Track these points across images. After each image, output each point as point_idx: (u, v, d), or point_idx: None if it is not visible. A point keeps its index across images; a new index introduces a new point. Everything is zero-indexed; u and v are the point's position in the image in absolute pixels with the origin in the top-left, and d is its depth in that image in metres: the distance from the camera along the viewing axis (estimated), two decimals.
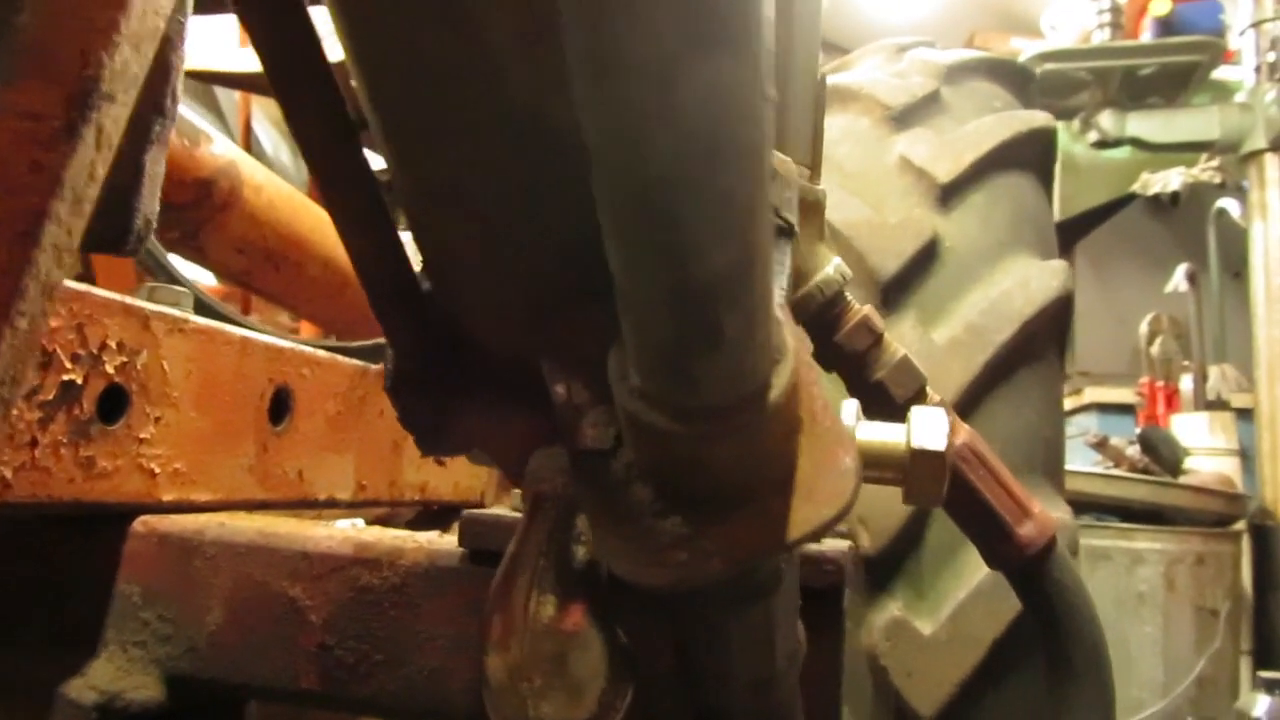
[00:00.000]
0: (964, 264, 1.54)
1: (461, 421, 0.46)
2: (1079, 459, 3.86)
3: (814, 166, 0.77)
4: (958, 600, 1.38)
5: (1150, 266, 4.38)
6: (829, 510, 0.33)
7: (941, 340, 1.47)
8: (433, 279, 0.44)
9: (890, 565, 1.41)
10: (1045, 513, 0.78)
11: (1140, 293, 4.33)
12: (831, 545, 0.67)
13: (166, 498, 0.74)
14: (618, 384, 0.32)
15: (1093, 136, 4.11)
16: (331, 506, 0.98)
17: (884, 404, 0.77)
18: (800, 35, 0.75)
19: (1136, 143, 4.08)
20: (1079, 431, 4.05)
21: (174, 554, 0.70)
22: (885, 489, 1.11)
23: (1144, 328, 4.17)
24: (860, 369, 0.77)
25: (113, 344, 0.68)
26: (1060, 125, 4.37)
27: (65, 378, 0.64)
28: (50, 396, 0.63)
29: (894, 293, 1.52)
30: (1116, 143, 4.08)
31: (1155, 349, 4.11)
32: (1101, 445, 3.65)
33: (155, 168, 0.53)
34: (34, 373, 0.62)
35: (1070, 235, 4.50)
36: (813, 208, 0.76)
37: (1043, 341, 1.52)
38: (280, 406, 0.87)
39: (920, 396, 0.77)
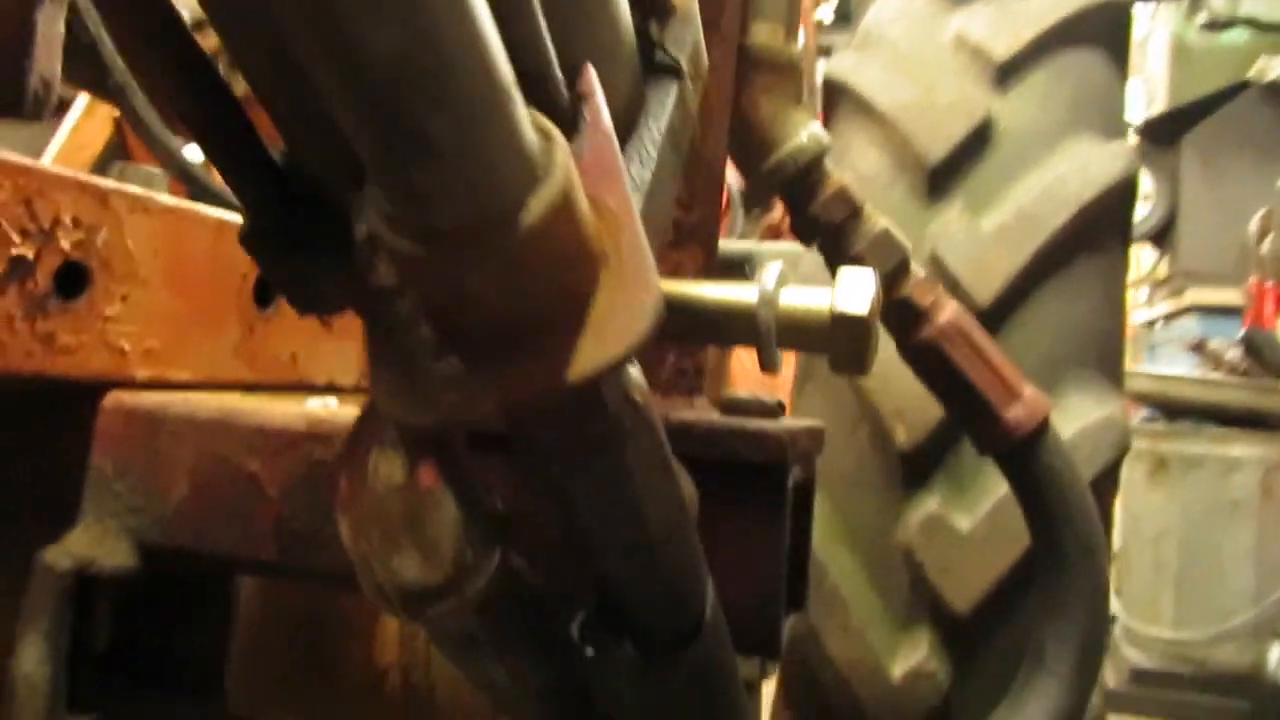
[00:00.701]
0: (1019, 147, 1.45)
1: (331, 281, 0.45)
2: (1178, 363, 3.69)
3: (789, 27, 0.72)
4: (997, 496, 1.33)
5: (1263, 160, 4.07)
6: (615, 349, 0.30)
7: (989, 228, 1.39)
8: (279, 131, 0.42)
9: (928, 460, 1.37)
10: (1037, 395, 0.73)
11: (1251, 188, 4.04)
12: (792, 424, 0.64)
13: (141, 375, 0.76)
14: (370, 208, 0.29)
15: (1203, 18, 3.81)
16: (333, 392, 0.99)
17: None
18: None
19: (1252, 23, 3.76)
20: (1179, 335, 3.86)
21: (141, 429, 0.72)
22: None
23: (1254, 225, 3.90)
24: (837, 242, 0.72)
25: (67, 220, 0.68)
26: (1170, 5, 4.06)
27: (15, 253, 0.65)
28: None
29: (941, 179, 1.44)
30: (1229, 24, 3.77)
31: (1265, 247, 3.85)
32: (1200, 348, 3.47)
33: (51, 27, 0.51)
34: None
35: (1178, 126, 4.21)
36: (786, 70, 0.71)
37: (1102, 228, 1.43)
38: (267, 289, 0.87)
39: (903, 271, 0.72)
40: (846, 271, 0.51)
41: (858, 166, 1.53)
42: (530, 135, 0.28)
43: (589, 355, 0.30)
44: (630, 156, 0.42)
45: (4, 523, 0.76)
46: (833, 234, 0.72)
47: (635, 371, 0.39)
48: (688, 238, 0.65)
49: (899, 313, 0.72)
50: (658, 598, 0.47)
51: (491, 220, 0.27)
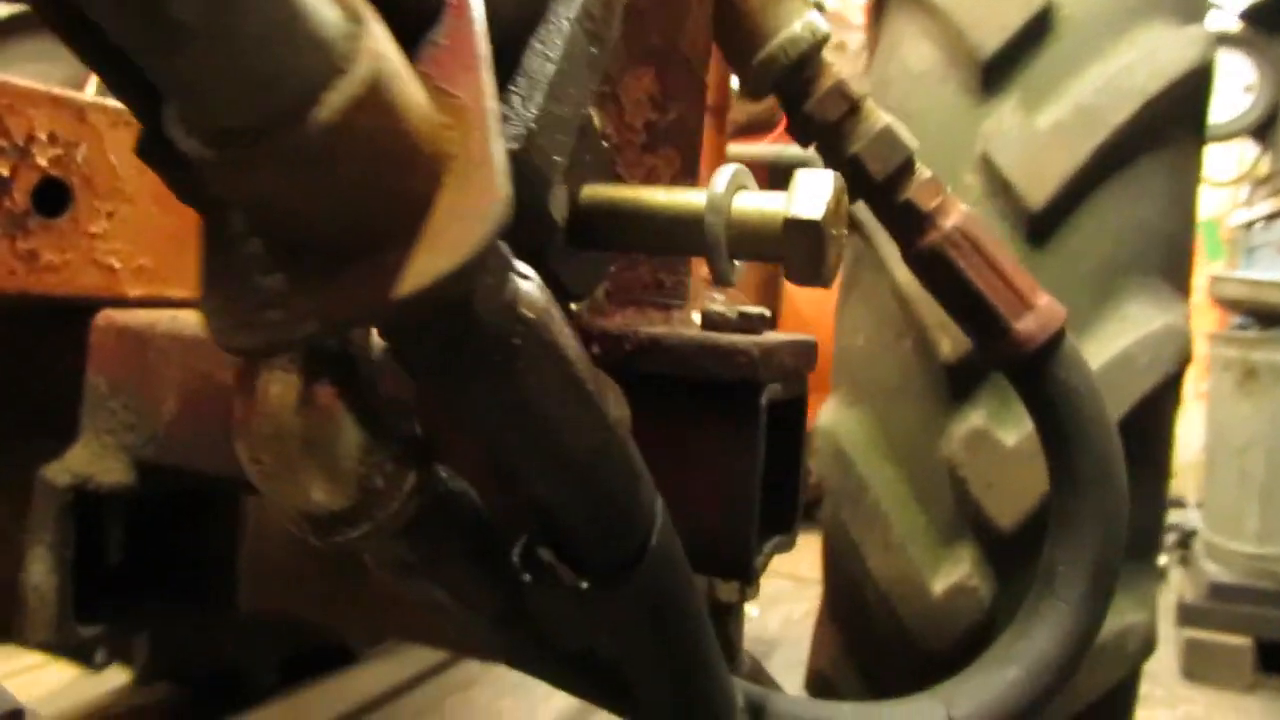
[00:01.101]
0: (1081, 36, 1.34)
1: None
2: (1277, 268, 3.49)
3: None
4: None
5: None
6: (449, 261, 0.28)
7: (1045, 125, 1.30)
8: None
9: (972, 373, 1.31)
10: (1053, 305, 0.68)
11: None
12: (774, 339, 0.60)
13: (134, 293, 0.76)
14: (165, 108, 0.27)
15: None
16: None
17: (863, 182, 0.68)
18: None
19: None
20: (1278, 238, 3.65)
21: (131, 346, 0.72)
22: None
23: None
24: (835, 142, 0.67)
25: (42, 136, 0.68)
26: None
27: None
28: None
29: (996, 73, 1.35)
30: None
31: None
32: None
33: None
34: None
35: None
36: None
37: (1171, 123, 1.32)
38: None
39: (906, 172, 0.67)
40: (803, 174, 0.47)
41: (908, 62, 1.45)
42: (327, 17, 0.25)
43: (420, 269, 0.27)
44: (531, 48, 0.38)
45: (10, 441, 0.78)
46: (830, 133, 0.67)
47: (528, 286, 0.36)
48: (662, 140, 0.61)
49: (902, 217, 0.67)
50: (590, 523, 0.45)
51: (279, 117, 0.25)
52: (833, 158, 0.68)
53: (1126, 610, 1.34)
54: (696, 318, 0.63)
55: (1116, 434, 0.68)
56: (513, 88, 0.37)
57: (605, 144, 0.59)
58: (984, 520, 1.30)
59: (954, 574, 1.34)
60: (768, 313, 0.62)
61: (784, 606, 3.32)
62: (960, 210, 0.67)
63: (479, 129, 0.29)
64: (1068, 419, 0.67)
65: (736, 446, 0.57)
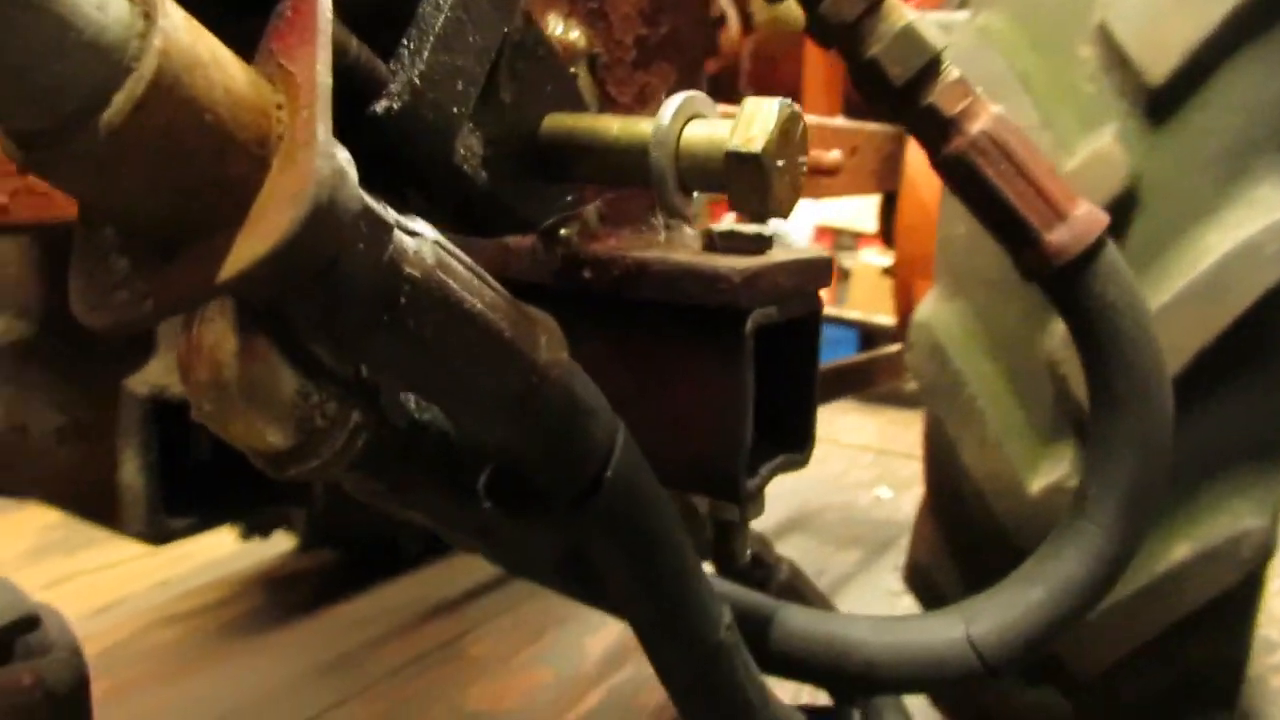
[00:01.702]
0: None
1: None
2: None
3: None
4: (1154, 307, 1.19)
5: None
6: (263, 246, 0.29)
7: None
8: None
9: None
10: (1091, 214, 0.63)
11: None
12: (771, 260, 0.59)
13: None
14: None
15: None
16: None
17: (884, 87, 0.64)
18: None
19: None
20: None
21: None
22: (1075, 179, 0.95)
23: None
24: (853, 45, 0.64)
25: None
26: None
27: None
28: None
29: None
30: None
31: None
32: None
33: None
34: None
35: None
36: None
37: None
38: None
39: (928, 75, 0.63)
40: (749, 103, 0.45)
41: None
42: (112, 19, 0.26)
43: (240, 254, 0.29)
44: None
45: (106, 360, 0.85)
46: (847, 35, 0.63)
47: (414, 243, 0.36)
48: (655, 55, 0.59)
49: (925, 122, 0.63)
50: (538, 460, 0.47)
51: (67, 122, 0.26)
52: (852, 62, 0.64)
53: (1243, 514, 1.27)
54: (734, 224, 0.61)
55: (1159, 352, 0.64)
56: (404, 41, 0.37)
57: (595, 60, 0.58)
58: (1085, 421, 1.24)
59: (1053, 473, 1.30)
60: (769, 231, 0.60)
61: (918, 489, 3.29)
62: (990, 113, 0.63)
63: (307, 107, 0.30)
64: (1104, 335, 0.63)
65: (721, 372, 0.57)
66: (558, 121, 0.50)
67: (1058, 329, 1.26)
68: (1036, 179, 0.62)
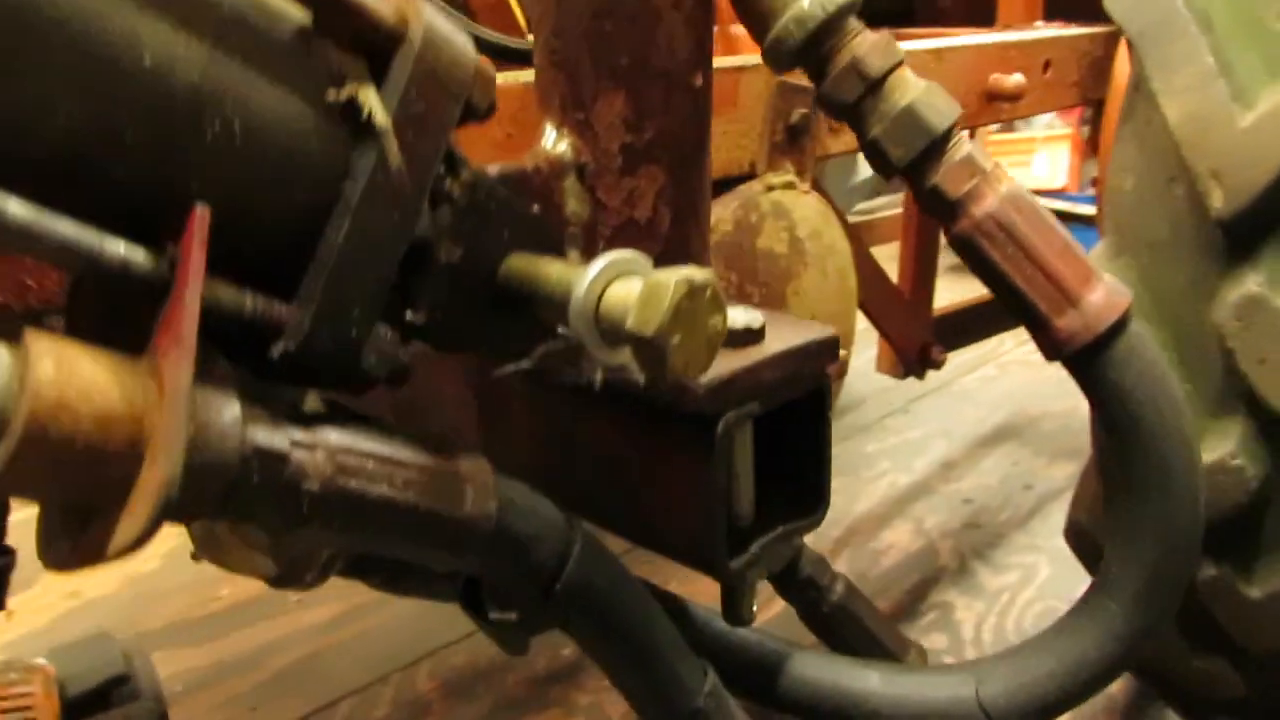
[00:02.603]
0: None
1: None
2: None
3: None
4: None
5: None
6: (135, 528, 0.37)
7: None
8: None
9: (1250, 230, 1.12)
10: (1109, 297, 0.60)
11: None
12: (755, 356, 0.61)
13: None
14: None
15: None
16: None
17: (890, 167, 0.63)
18: None
19: None
20: None
21: None
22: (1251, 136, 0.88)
23: None
24: (857, 124, 0.63)
25: None
26: None
27: None
28: None
29: None
30: None
31: None
32: None
33: None
34: None
35: None
36: None
37: None
38: None
39: (931, 155, 0.61)
40: (652, 280, 0.47)
41: None
42: None
43: (122, 532, 0.37)
44: (324, 236, 0.43)
45: None
46: (850, 115, 0.62)
47: (311, 457, 0.43)
48: (641, 159, 0.61)
49: (932, 201, 0.61)
50: (495, 580, 0.53)
51: None
52: (859, 140, 0.63)
53: None
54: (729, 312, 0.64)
55: (1186, 440, 0.60)
56: (303, 284, 0.43)
57: (584, 168, 0.61)
58: (1254, 398, 1.14)
59: (1218, 449, 1.21)
60: (759, 323, 0.62)
61: None
62: (998, 193, 0.60)
63: (170, 411, 0.37)
64: (1123, 422, 0.61)
65: (697, 467, 0.61)
66: (513, 264, 0.54)
67: (1227, 298, 1.16)
68: (1046, 262, 0.59)
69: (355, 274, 0.44)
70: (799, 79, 1.32)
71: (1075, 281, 0.60)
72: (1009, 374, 3.44)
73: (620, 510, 0.66)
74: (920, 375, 1.82)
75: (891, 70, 0.61)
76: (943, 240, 1.91)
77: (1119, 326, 0.60)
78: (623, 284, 0.50)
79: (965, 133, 0.61)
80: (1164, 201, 1.22)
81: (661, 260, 0.63)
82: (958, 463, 2.97)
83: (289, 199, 0.42)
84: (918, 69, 1.44)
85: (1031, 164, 3.58)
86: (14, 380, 0.34)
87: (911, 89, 0.61)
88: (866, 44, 0.60)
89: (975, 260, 0.62)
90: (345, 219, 0.43)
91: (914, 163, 0.61)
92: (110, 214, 0.38)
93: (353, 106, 0.43)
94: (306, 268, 0.43)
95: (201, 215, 0.39)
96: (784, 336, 0.63)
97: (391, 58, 0.44)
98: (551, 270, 0.53)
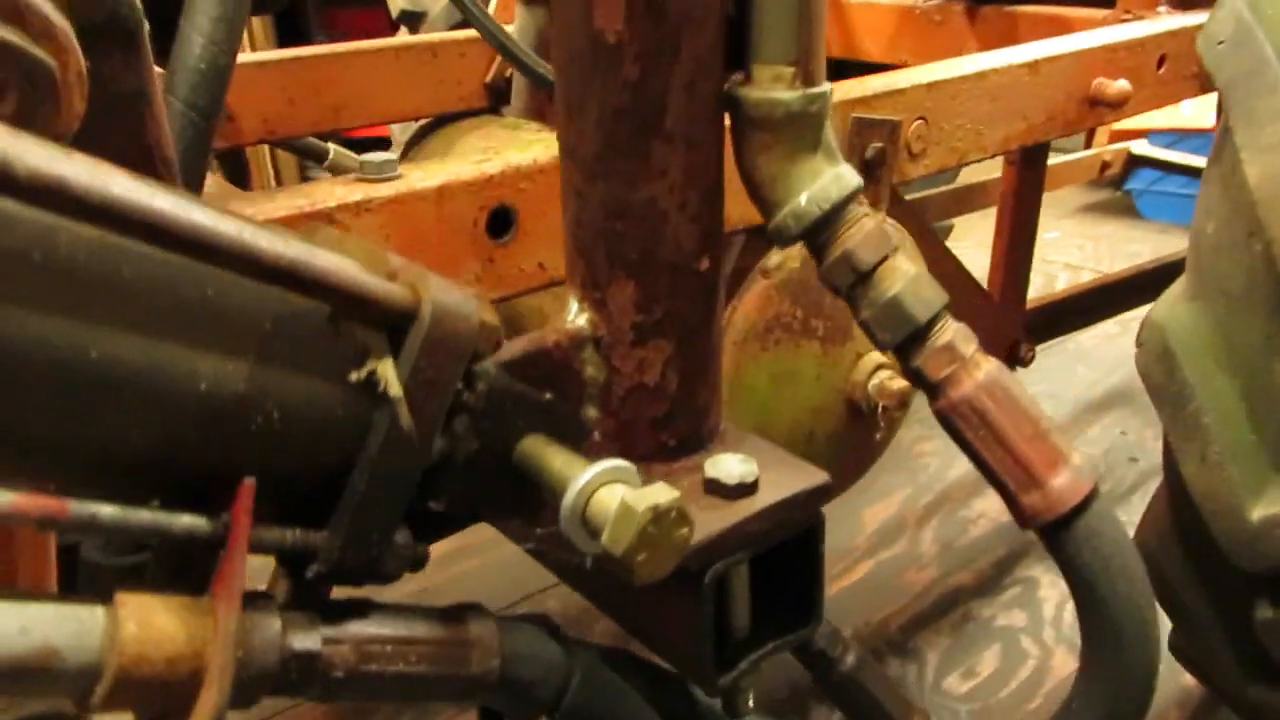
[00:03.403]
0: None
1: None
2: None
3: (804, 63, 0.65)
4: None
5: None
6: None
7: None
8: None
9: None
10: (1073, 481, 0.65)
11: None
12: (746, 509, 0.69)
13: None
14: None
15: None
16: None
17: (880, 342, 0.68)
18: None
19: None
20: None
21: None
22: None
23: None
24: (850, 304, 0.68)
25: None
26: None
27: None
28: None
29: None
30: None
31: None
32: None
33: None
34: None
35: None
36: (789, 123, 0.65)
37: None
38: (501, 223, 1.04)
39: (915, 341, 0.66)
40: (622, 501, 0.56)
41: None
42: (80, 648, 0.46)
43: None
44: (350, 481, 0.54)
45: None
46: (844, 297, 0.67)
47: (338, 651, 0.55)
48: (650, 334, 0.69)
49: (917, 379, 0.66)
50: (504, 709, 0.64)
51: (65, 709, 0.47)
52: (854, 316, 0.69)
53: None
54: (725, 462, 0.72)
55: (1143, 615, 0.66)
56: (333, 518, 0.54)
57: (600, 340, 0.70)
58: None
59: (1277, 504, 1.22)
60: (752, 477, 0.70)
61: None
62: (975, 379, 0.65)
63: (221, 651, 0.48)
64: (1080, 589, 0.66)
65: (686, 609, 0.70)
66: (526, 447, 0.64)
67: None
68: (1014, 446, 0.65)
69: (375, 508, 0.54)
70: (875, 111, 1.34)
71: (1041, 466, 0.65)
72: (1131, 332, 3.34)
73: (625, 615, 0.76)
74: (1010, 371, 1.83)
75: (882, 261, 0.66)
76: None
77: (1081, 508, 0.65)
78: (607, 492, 0.59)
79: (949, 321, 0.66)
80: (1242, 254, 1.20)
81: (670, 416, 0.72)
82: (1063, 429, 2.93)
83: (320, 457, 0.52)
84: (1010, 85, 1.43)
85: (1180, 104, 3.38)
86: (106, 638, 0.46)
87: (899, 279, 0.66)
88: (860, 236, 0.66)
89: (953, 434, 0.67)
90: (366, 469, 0.53)
91: (899, 346, 0.66)
92: (174, 492, 0.49)
93: (372, 380, 0.52)
94: (337, 503, 0.54)
95: (248, 488, 0.49)
96: (777, 484, 0.71)
97: (406, 330, 0.53)
98: (555, 463, 0.62)
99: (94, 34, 0.65)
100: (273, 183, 3.27)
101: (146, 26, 0.69)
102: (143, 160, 0.72)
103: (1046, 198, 1.91)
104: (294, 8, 3.60)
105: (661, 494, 0.56)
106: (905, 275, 0.66)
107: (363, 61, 1.75)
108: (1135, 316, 3.41)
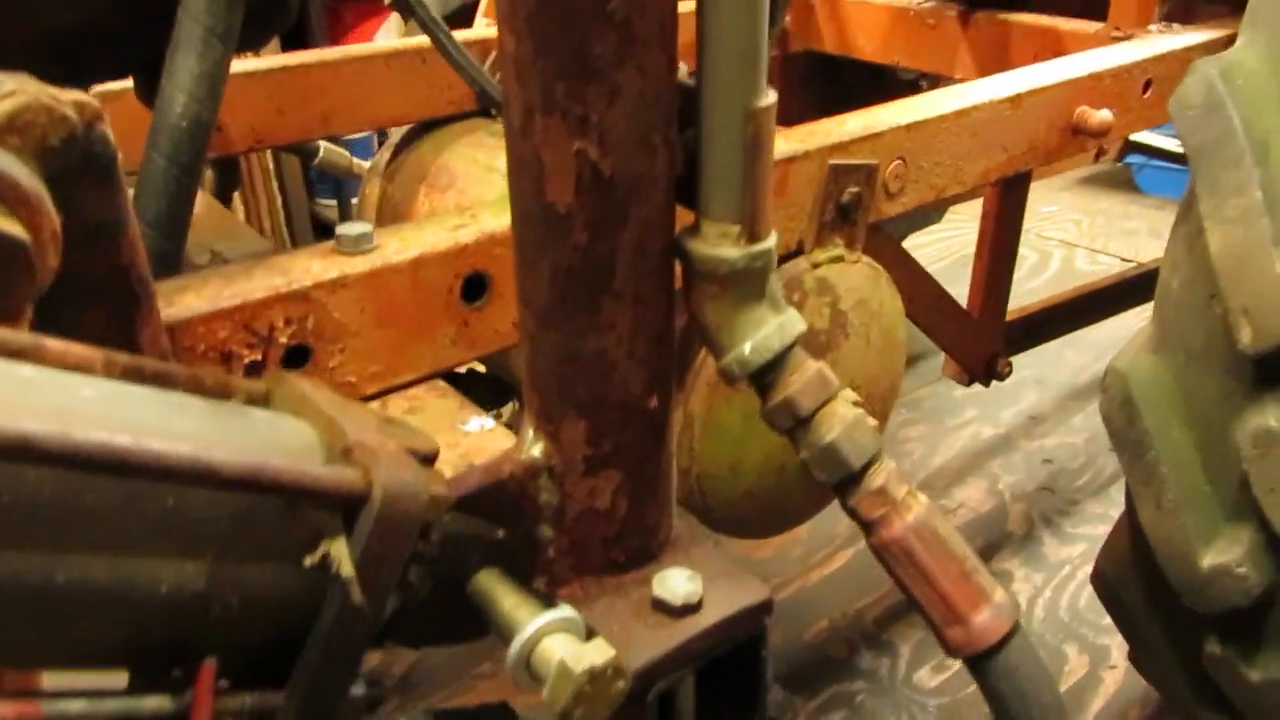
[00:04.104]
0: None
1: None
2: None
3: (749, 222, 0.67)
4: None
5: None
6: None
7: None
8: None
9: (1275, 367, 1.13)
10: (994, 620, 0.69)
11: None
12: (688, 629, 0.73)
13: (370, 390, 1.05)
14: None
15: None
16: None
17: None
18: (722, 54, 0.63)
19: None
20: None
21: None
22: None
23: None
24: (792, 442, 0.72)
25: (280, 323, 0.96)
26: None
27: (247, 359, 0.96)
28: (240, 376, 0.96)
29: None
30: None
31: None
32: None
33: None
34: (219, 367, 0.94)
35: None
36: (735, 278, 0.68)
37: None
38: (476, 288, 1.07)
39: (850, 483, 0.70)
40: (559, 663, 0.60)
41: None
42: None
43: None
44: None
45: None
46: (786, 435, 0.70)
47: None
48: (600, 465, 0.73)
49: (852, 515, 0.70)
50: None
51: None
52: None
53: None
54: (673, 579, 0.76)
55: None
56: (289, 682, 0.58)
57: (554, 469, 0.73)
58: (1266, 523, 1.18)
59: (1226, 554, 1.27)
60: (696, 599, 0.74)
61: None
62: (905, 521, 0.69)
63: None
64: (1001, 716, 0.71)
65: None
66: (480, 582, 0.68)
67: (1248, 424, 1.18)
68: (940, 585, 0.69)
69: (329, 673, 0.58)
70: (852, 156, 1.35)
71: (965, 604, 0.69)
72: (1120, 318, 3.36)
73: None
74: (985, 384, 1.87)
75: (821, 407, 0.69)
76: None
77: (1001, 644, 0.69)
78: (550, 644, 0.63)
79: (883, 463, 0.70)
80: (1204, 314, 1.23)
81: (620, 535, 0.76)
82: (1046, 416, 2.98)
83: (277, 630, 0.56)
84: (991, 119, 1.44)
85: None
86: None
87: (837, 425, 0.69)
88: (800, 384, 0.69)
89: (885, 567, 0.71)
90: (320, 640, 0.57)
91: (835, 486, 0.70)
92: (140, 670, 0.53)
93: (325, 562, 0.56)
94: (292, 661, 0.58)
95: (209, 669, 0.54)
96: (721, 601, 0.75)
97: (359, 510, 0.57)
98: (505, 604, 0.66)
99: (69, 175, 0.68)
100: (274, 182, 3.26)
101: (120, 156, 0.71)
102: (118, 281, 0.75)
103: (1044, 170, 1.91)
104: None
105: (598, 653, 0.61)
106: (843, 421, 0.69)
107: (352, 68, 1.75)
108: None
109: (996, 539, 2.52)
